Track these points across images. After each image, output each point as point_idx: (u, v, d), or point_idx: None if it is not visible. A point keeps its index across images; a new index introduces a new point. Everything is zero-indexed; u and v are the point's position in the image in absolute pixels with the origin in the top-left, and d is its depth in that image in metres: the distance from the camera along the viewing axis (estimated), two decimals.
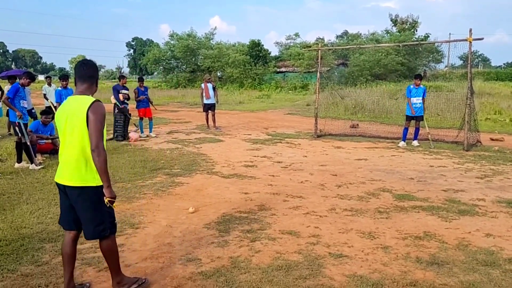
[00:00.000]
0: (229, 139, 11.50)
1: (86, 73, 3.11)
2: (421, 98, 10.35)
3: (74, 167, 2.95)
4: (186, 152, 9.39)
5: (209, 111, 13.51)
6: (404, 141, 10.64)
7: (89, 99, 2.96)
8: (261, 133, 12.94)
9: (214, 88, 13.62)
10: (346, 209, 5.34)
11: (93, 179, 2.96)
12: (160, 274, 3.55)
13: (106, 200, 2.97)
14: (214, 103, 13.57)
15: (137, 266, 3.70)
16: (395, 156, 9.19)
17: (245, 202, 5.62)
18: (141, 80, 12.47)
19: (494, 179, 7.04)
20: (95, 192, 2.98)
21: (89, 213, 2.99)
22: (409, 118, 10.52)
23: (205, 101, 13.42)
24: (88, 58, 3.27)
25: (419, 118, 10.50)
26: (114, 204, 3.03)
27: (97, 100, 2.96)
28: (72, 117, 2.94)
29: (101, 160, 2.88)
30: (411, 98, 10.39)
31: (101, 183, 2.97)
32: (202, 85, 13.64)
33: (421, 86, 10.43)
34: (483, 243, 4.23)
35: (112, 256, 3.16)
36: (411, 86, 10.50)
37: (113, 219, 3.16)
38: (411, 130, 10.70)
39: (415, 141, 10.63)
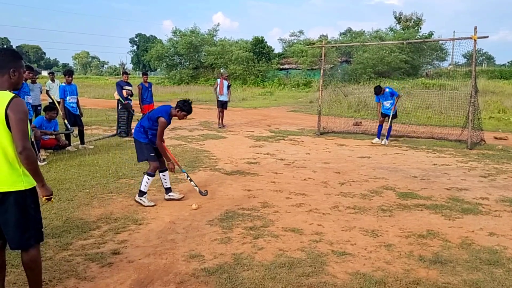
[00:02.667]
0: (232, 136, 11.50)
1: None
2: (389, 101, 10.59)
3: None
4: (189, 149, 9.40)
5: (222, 108, 13.36)
6: (379, 138, 10.86)
7: (6, 95, 2.62)
8: (264, 130, 12.94)
9: (228, 87, 13.58)
10: (349, 207, 5.34)
11: (18, 183, 2.67)
12: (163, 270, 3.56)
13: (43, 199, 2.81)
14: (227, 101, 13.54)
15: (140, 262, 3.71)
16: (398, 154, 9.18)
17: (248, 199, 5.62)
18: (145, 74, 12.38)
19: (498, 178, 7.02)
20: (21, 197, 2.69)
21: (14, 219, 2.68)
22: (383, 115, 10.77)
23: (219, 98, 13.32)
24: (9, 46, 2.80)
25: (388, 116, 10.71)
26: (52, 200, 2.88)
27: (15, 96, 2.63)
28: None
29: (31, 161, 2.63)
30: (383, 102, 10.67)
31: (28, 186, 2.71)
32: (218, 80, 13.61)
33: (386, 90, 10.61)
34: (487, 242, 4.22)
35: (36, 269, 2.83)
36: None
37: (40, 226, 2.86)
38: (385, 126, 10.87)
39: (385, 138, 10.79)
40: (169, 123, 5.38)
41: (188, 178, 5.78)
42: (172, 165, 5.42)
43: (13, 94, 2.65)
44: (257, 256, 3.82)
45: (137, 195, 5.34)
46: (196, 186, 5.76)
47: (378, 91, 10.54)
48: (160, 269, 3.57)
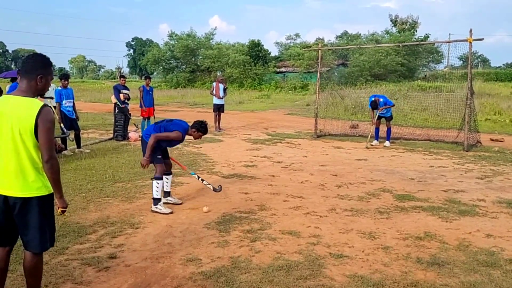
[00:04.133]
0: (229, 139, 11.50)
1: (24, 67, 2.75)
2: (382, 107, 10.70)
3: (20, 176, 2.67)
4: (186, 152, 9.38)
5: (218, 111, 13.36)
6: (377, 140, 10.99)
7: (36, 104, 2.65)
8: (261, 133, 12.94)
9: (224, 90, 13.59)
10: (347, 209, 5.33)
11: (42, 189, 2.73)
12: (160, 274, 3.54)
13: (59, 210, 2.85)
14: (223, 104, 13.54)
15: (137, 266, 3.69)
16: (395, 156, 9.19)
17: (245, 202, 5.61)
18: (148, 77, 12.38)
19: (494, 179, 7.04)
20: (42, 201, 2.74)
21: (35, 222, 2.73)
22: (378, 118, 10.89)
23: (215, 101, 13.34)
24: (39, 53, 2.80)
25: (386, 118, 10.90)
26: (65, 213, 2.96)
27: (45, 105, 2.67)
28: (15, 121, 2.61)
29: (55, 170, 2.69)
30: (376, 110, 10.81)
31: (50, 192, 2.78)
32: (214, 84, 13.62)
33: (380, 100, 10.73)
34: (484, 244, 4.22)
35: (38, 275, 2.87)
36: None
37: (54, 231, 2.90)
38: (384, 129, 11.00)
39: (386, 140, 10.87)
40: (182, 140, 5.34)
41: (200, 179, 5.77)
42: (146, 161, 5.13)
43: (42, 103, 2.70)
44: (254, 259, 3.81)
45: (152, 204, 5.18)
46: (209, 184, 5.78)
47: (375, 106, 10.70)
48: (157, 273, 3.56)
